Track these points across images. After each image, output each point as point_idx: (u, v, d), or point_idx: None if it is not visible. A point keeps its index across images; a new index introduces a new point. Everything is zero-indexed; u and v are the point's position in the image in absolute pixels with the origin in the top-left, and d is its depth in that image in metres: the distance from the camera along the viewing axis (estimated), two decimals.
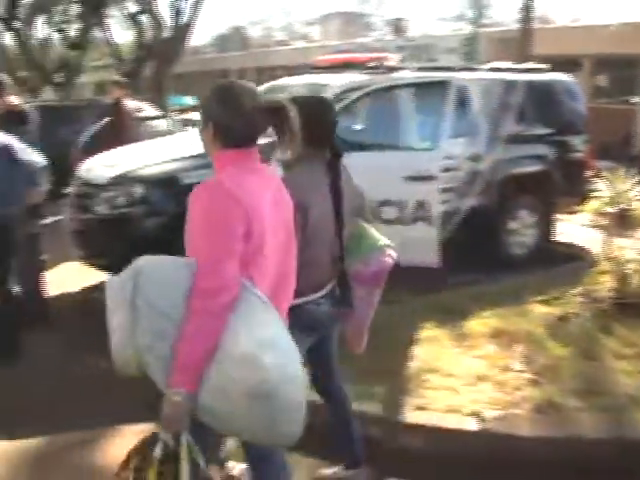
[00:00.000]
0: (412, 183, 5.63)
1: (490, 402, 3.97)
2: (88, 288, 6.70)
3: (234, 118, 2.22)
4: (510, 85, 6.87)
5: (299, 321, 2.61)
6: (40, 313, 5.55)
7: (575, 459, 3.54)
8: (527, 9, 18.03)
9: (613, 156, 13.50)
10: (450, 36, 20.90)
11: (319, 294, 2.89)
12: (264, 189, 2.25)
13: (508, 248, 6.97)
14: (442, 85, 6.24)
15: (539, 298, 5.52)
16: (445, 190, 5.96)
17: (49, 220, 5.96)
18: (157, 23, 21.79)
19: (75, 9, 30.67)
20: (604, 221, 8.96)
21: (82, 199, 5.82)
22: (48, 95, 28.87)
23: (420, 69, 6.82)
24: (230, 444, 3.21)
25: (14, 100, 5.74)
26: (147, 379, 2.14)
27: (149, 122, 11.10)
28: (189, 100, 12.18)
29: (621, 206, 8.96)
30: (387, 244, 3.07)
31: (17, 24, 29.18)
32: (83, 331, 5.66)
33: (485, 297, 5.57)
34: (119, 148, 6.60)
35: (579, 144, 7.55)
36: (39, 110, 6.45)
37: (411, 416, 3.88)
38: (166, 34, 21.90)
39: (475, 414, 3.82)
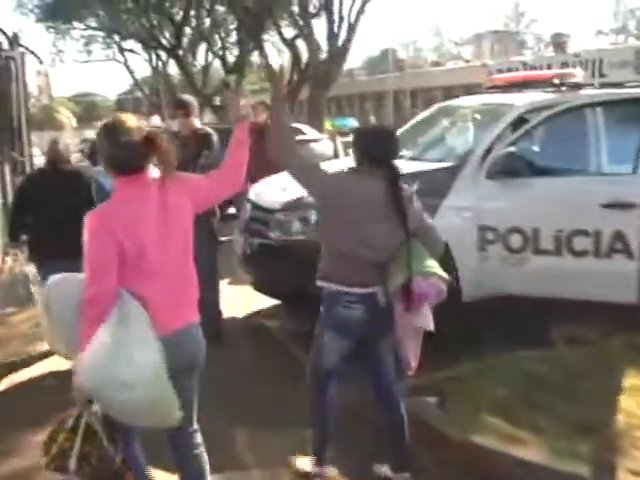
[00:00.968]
0: (608, 211, 5.07)
1: None
2: (255, 313, 6.64)
3: (113, 151, 2.69)
4: None
5: (333, 322, 3.31)
6: (216, 333, 5.52)
7: None
8: None
9: None
10: (621, 49, 19.58)
11: (349, 289, 3.23)
12: (143, 205, 2.68)
13: None
14: None
15: None
16: None
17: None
18: (313, 47, 21.99)
19: (234, 36, 31.95)
20: None
21: (253, 223, 5.72)
22: (207, 118, 30.05)
23: (603, 86, 6.23)
24: None
25: (197, 123, 5.74)
26: None
27: (311, 145, 11.05)
28: (352, 122, 12.04)
29: None
30: (435, 272, 3.19)
31: (180, 52, 30.69)
32: (249, 355, 5.68)
33: None
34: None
35: None
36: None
37: None
38: (322, 57, 22.09)
39: None
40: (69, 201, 4.86)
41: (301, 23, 22.92)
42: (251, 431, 4.29)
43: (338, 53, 21.83)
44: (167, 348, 2.59)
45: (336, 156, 9.95)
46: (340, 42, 21.82)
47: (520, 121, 5.52)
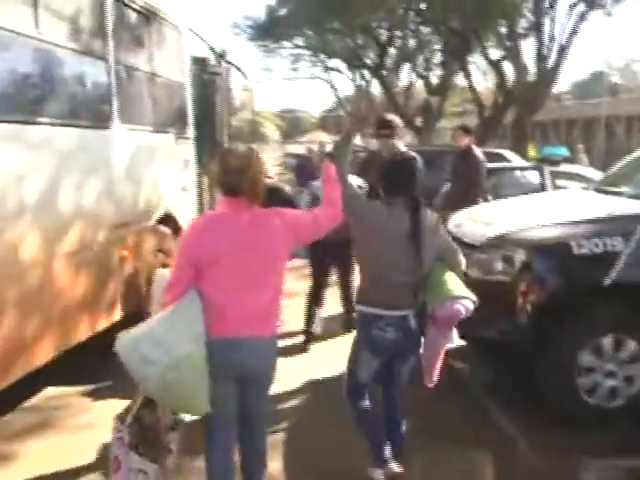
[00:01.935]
0: None
1: None
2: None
3: (220, 176, 3.12)
4: None
5: (368, 345, 3.55)
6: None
7: None
8: None
9: None
10: None
11: (383, 312, 3.47)
12: (226, 227, 3.03)
13: None
14: None
15: None
16: None
17: None
18: (520, 68, 21.03)
19: (438, 57, 31.63)
20: None
21: None
22: (408, 139, 29.89)
23: None
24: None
25: (401, 146, 5.39)
26: None
27: (514, 173, 10.34)
28: (564, 151, 11.11)
29: None
30: (462, 294, 3.46)
31: (384, 72, 30.85)
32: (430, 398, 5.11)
33: None
34: (492, 203, 5.95)
35: None
36: None
37: None
38: (529, 80, 21.08)
39: None
40: None
41: (508, 44, 22.06)
42: None
43: (547, 75, 20.72)
44: (222, 349, 2.96)
45: (543, 188, 9.09)
46: (550, 64, 20.71)
47: None
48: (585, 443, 4.41)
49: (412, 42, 30.88)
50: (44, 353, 4.60)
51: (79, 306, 4.98)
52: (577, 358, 4.51)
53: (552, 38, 20.61)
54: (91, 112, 5.35)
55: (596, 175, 10.52)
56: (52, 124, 4.62)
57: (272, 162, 42.60)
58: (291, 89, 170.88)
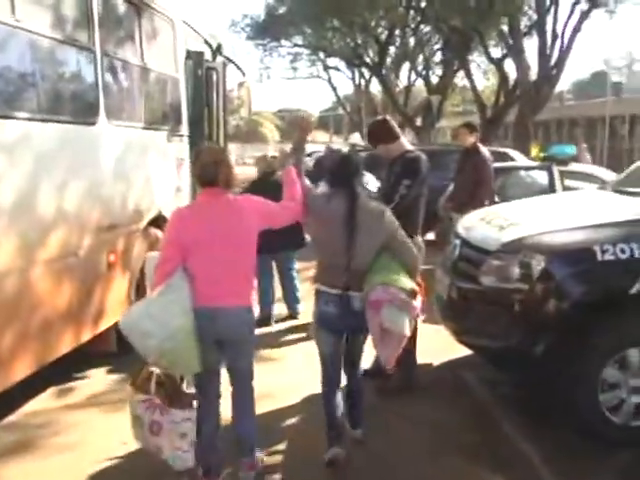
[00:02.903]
0: None
1: None
2: (452, 361, 5.79)
3: (198, 170, 3.64)
4: None
5: (318, 319, 3.99)
6: (406, 382, 5.11)
7: None
8: None
9: None
10: None
11: (327, 289, 3.86)
12: (204, 213, 3.58)
13: None
14: None
15: None
16: None
17: None
18: (523, 67, 20.67)
19: (438, 56, 31.34)
20: None
21: (462, 263, 4.90)
22: (408, 138, 29.53)
23: None
24: None
25: (406, 144, 5.03)
26: None
27: (520, 173, 9.97)
28: (571, 150, 10.74)
29: None
30: (395, 284, 3.71)
31: (384, 71, 30.53)
32: (437, 412, 4.88)
33: None
34: (504, 205, 5.61)
35: None
36: None
37: None
38: (532, 79, 20.72)
39: None
40: None
41: (510, 42, 21.71)
42: None
43: (550, 74, 20.37)
44: (205, 318, 3.46)
45: (552, 188, 8.70)
46: (552, 62, 20.36)
47: None
48: (609, 465, 4.07)
49: (412, 40, 30.62)
50: (22, 368, 4.25)
51: (61, 317, 4.63)
52: (600, 373, 4.15)
53: (555, 36, 20.25)
54: (74, 107, 5.00)
55: (607, 175, 10.17)
56: (30, 119, 4.26)
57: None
58: (290, 89, 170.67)
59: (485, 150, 7.99)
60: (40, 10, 4.43)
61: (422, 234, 4.98)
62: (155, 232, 6.17)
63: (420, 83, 33.78)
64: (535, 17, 21.54)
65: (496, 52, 25.49)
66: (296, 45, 34.21)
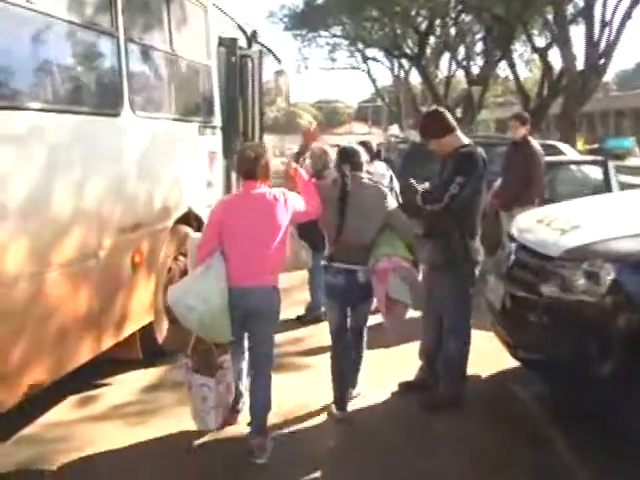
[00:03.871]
0: None
1: None
2: (502, 373, 5.32)
3: (239, 164, 4.16)
4: None
5: (325, 289, 4.63)
6: (455, 396, 4.71)
7: None
8: None
9: None
10: None
11: (335, 264, 4.39)
12: (244, 203, 4.04)
13: None
14: None
15: None
16: None
17: None
18: (569, 56, 19.92)
19: (479, 46, 30.64)
20: None
21: (518, 269, 4.43)
22: None
23: None
24: None
25: (462, 138, 4.59)
26: None
27: (571, 167, 9.41)
28: (630, 142, 10.12)
29: None
30: (397, 253, 4.23)
31: (423, 61, 29.93)
32: (485, 432, 4.43)
33: None
34: (564, 204, 5.12)
35: None
36: None
37: None
38: (578, 69, 19.96)
39: None
40: None
41: (555, 30, 20.95)
42: None
43: (597, 64, 19.59)
44: (236, 295, 3.92)
45: (607, 185, 8.11)
46: (600, 51, 19.57)
47: None
48: None
49: (452, 30, 30.00)
50: (37, 379, 3.91)
51: (80, 324, 4.28)
52: None
53: (604, 23, 19.46)
54: (95, 97, 4.65)
55: None
56: (46, 110, 3.91)
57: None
58: (328, 79, 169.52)
59: (536, 143, 7.50)
60: None
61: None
62: (185, 230, 5.81)
63: (460, 74, 33.19)
64: (581, 4, 20.80)
65: (540, 41, 24.83)
66: (335, 36, 33.87)
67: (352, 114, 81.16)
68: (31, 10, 3.72)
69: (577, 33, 26.87)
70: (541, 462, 4.02)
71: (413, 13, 28.03)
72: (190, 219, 5.85)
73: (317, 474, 3.98)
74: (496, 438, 4.32)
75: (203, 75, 6.31)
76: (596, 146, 19.37)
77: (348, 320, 4.52)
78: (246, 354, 4.36)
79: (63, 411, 4.73)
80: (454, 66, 32.69)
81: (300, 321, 6.69)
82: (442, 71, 34.52)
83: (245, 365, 4.42)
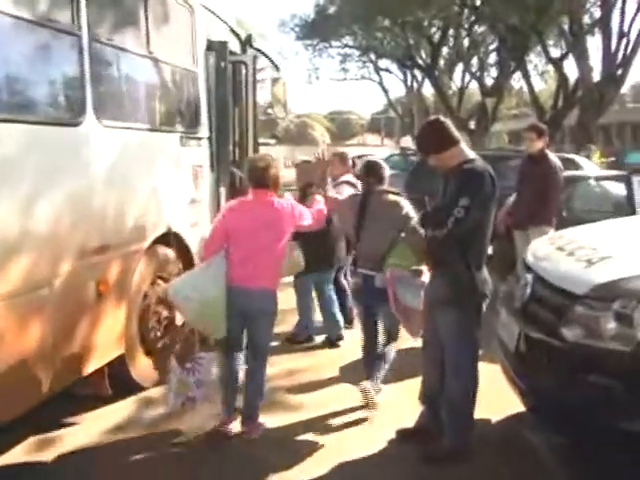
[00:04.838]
0: None
1: None
2: (514, 417, 4.68)
3: (250, 174, 4.39)
4: None
5: (350, 290, 5.67)
6: (461, 446, 4.10)
7: None
8: None
9: None
10: None
11: (358, 270, 4.74)
12: (252, 209, 4.31)
13: None
14: None
15: None
16: None
17: None
18: (585, 67, 19.32)
19: (493, 57, 30.15)
20: None
21: (536, 305, 3.79)
22: None
23: None
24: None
25: (467, 152, 3.97)
26: None
27: (590, 183, 8.78)
28: None
29: None
30: (401, 264, 4.46)
31: (436, 72, 29.45)
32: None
33: None
34: (588, 227, 4.51)
35: None
36: None
37: None
38: (595, 80, 19.37)
39: None
40: None
41: (571, 40, 20.37)
42: None
43: (614, 75, 18.97)
44: (237, 295, 4.21)
45: (630, 203, 7.43)
46: (618, 61, 18.95)
47: None
48: None
49: (466, 41, 29.50)
50: None
51: (30, 364, 3.72)
52: None
53: (621, 34, 18.87)
54: (51, 104, 4.10)
55: None
56: None
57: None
58: (340, 90, 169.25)
59: (554, 157, 6.88)
60: None
61: None
62: (164, 251, 5.25)
63: (474, 85, 32.67)
64: (597, 14, 20.22)
65: (555, 52, 24.30)
66: (346, 46, 33.43)
67: (365, 125, 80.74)
68: None
69: (593, 44, 26.27)
70: None
71: (426, 23, 27.59)
72: (170, 239, 5.28)
73: None
74: None
75: (187, 81, 5.73)
76: (613, 159, 18.75)
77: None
78: (242, 356, 4.49)
79: (18, 455, 4.19)
80: (467, 77, 32.23)
81: (290, 342, 6.48)
82: (455, 82, 34.01)
83: (242, 367, 4.52)
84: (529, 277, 3.94)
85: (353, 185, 6.09)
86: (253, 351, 4.42)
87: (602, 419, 3.20)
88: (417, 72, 34.30)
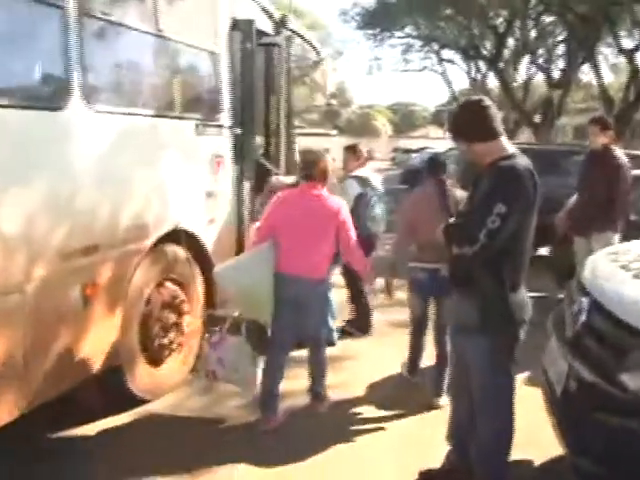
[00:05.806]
0: None
1: None
2: (561, 458, 3.97)
3: (300, 167, 4.70)
4: None
5: (412, 286, 5.03)
6: None
7: None
8: None
9: None
10: None
11: (422, 264, 4.76)
12: (300, 201, 4.39)
13: None
14: None
15: None
16: None
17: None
18: None
19: (561, 48, 28.88)
20: None
21: (589, 340, 3.07)
22: (525, 137, 27.23)
23: None
24: None
25: (505, 146, 3.27)
26: None
27: None
28: None
29: None
30: None
31: (501, 64, 28.39)
32: None
33: None
34: None
35: None
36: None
37: None
38: None
39: None
40: None
41: None
42: None
43: None
44: (283, 280, 4.33)
45: None
46: None
47: None
48: None
49: (532, 32, 28.30)
50: None
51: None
52: None
53: None
54: (26, 85, 3.58)
55: None
56: None
57: (379, 157, 40.58)
58: (404, 82, 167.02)
59: (621, 153, 6.13)
60: None
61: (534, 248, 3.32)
62: (173, 250, 4.73)
63: (540, 77, 31.36)
64: None
65: (627, 43, 22.99)
66: (408, 36, 32.53)
67: (428, 118, 79.62)
68: None
69: None
70: None
71: (491, 13, 26.56)
72: (178, 237, 4.75)
73: None
74: None
75: (206, 64, 5.17)
76: None
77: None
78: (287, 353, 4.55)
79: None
80: (533, 69, 30.95)
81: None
82: (521, 74, 32.75)
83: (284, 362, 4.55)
84: (584, 301, 3.21)
85: (363, 181, 6.05)
86: (309, 336, 4.61)
87: None
88: (481, 64, 33.21)
